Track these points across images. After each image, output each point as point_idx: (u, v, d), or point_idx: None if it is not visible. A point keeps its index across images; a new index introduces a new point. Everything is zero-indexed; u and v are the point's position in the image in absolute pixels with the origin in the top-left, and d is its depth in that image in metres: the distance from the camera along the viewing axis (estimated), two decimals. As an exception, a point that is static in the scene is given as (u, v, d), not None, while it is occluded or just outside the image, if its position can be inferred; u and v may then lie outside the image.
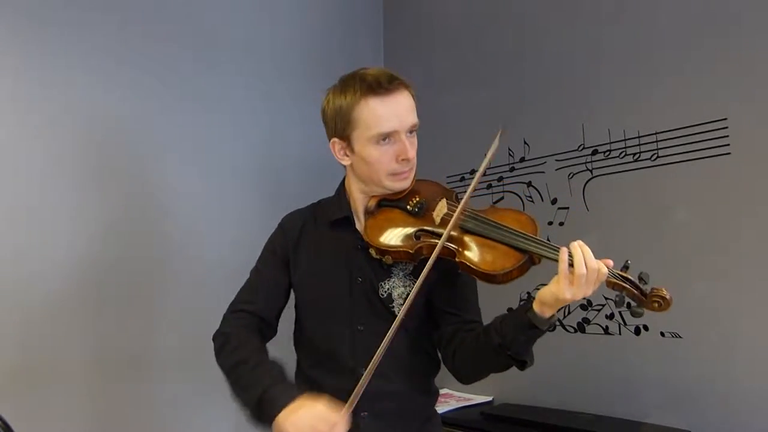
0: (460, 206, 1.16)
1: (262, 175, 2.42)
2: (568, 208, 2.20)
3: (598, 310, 2.10)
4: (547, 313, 1.07)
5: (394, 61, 2.89)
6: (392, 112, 1.20)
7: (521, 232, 1.13)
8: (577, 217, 2.16)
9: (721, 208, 1.84)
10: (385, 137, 1.20)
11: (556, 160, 2.26)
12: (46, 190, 1.87)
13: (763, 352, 1.74)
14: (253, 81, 2.42)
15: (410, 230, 1.21)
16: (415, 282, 1.22)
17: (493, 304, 1.35)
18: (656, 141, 2.00)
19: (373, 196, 1.28)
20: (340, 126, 1.24)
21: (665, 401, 1.91)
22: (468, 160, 2.45)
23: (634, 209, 2.02)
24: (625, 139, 2.07)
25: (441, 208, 1.23)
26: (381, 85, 1.19)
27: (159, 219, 2.11)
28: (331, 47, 2.71)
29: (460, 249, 1.15)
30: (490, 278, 1.12)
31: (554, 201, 2.24)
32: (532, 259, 1.12)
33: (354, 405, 1.09)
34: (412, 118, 1.23)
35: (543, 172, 2.30)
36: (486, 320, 1.23)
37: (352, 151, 1.25)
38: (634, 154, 2.05)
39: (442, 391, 2.02)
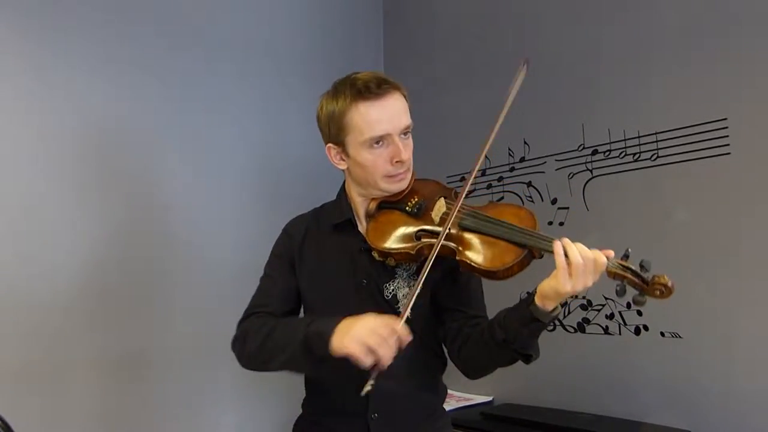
0: (456, 204, 1.16)
1: (262, 176, 2.42)
2: (568, 208, 2.20)
3: (598, 310, 2.10)
4: (549, 307, 1.07)
5: (394, 61, 2.89)
6: (383, 116, 1.20)
7: (520, 227, 1.13)
8: (577, 217, 2.17)
9: (721, 208, 1.84)
10: (378, 141, 1.21)
11: (556, 160, 2.26)
12: (46, 191, 1.87)
13: (762, 352, 1.74)
14: (253, 82, 2.42)
15: (410, 231, 1.22)
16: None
17: (495, 302, 1.34)
18: (656, 141, 2.00)
19: (372, 199, 1.29)
20: (333, 131, 1.25)
21: (665, 401, 1.91)
22: (468, 160, 2.43)
23: (634, 209, 2.02)
24: (625, 139, 2.07)
25: (439, 207, 1.24)
26: (370, 90, 1.20)
27: (160, 220, 2.11)
28: (331, 47, 2.71)
29: (460, 248, 1.15)
30: (491, 275, 1.13)
31: (554, 201, 2.24)
32: (533, 254, 1.12)
33: (405, 318, 1.08)
34: (404, 120, 1.23)
35: (543, 172, 2.30)
36: (489, 317, 1.23)
37: (347, 155, 1.26)
38: (634, 154, 2.05)
39: (442, 391, 2.02)
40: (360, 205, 1.31)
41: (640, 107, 2.04)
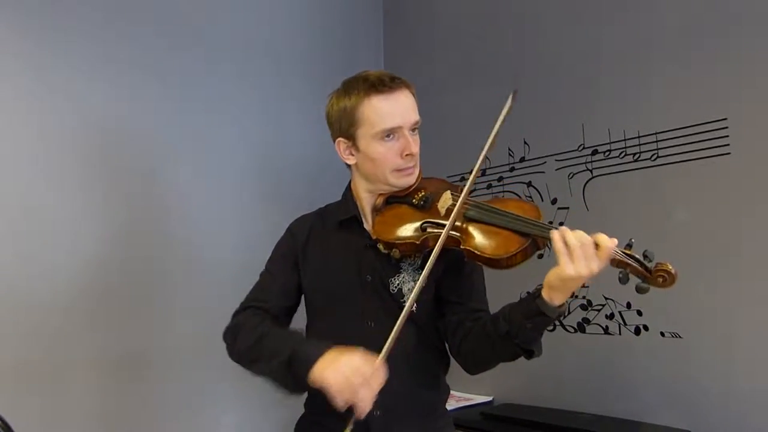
0: (463, 193, 1.17)
1: (262, 176, 2.42)
2: (568, 208, 2.20)
3: (598, 310, 2.10)
4: (557, 300, 1.07)
5: (394, 61, 2.89)
6: (395, 109, 1.23)
7: (523, 217, 1.14)
8: (577, 217, 2.16)
9: (721, 208, 1.84)
10: (389, 134, 1.24)
11: (556, 160, 2.26)
12: (46, 192, 1.87)
13: (762, 352, 1.74)
14: (253, 82, 2.42)
15: (416, 223, 1.23)
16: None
17: (497, 301, 1.34)
18: (656, 141, 2.00)
19: (380, 194, 1.30)
20: (345, 125, 1.27)
21: (665, 401, 1.91)
22: (468, 160, 2.43)
23: (634, 209, 2.02)
24: (625, 139, 2.07)
25: (445, 199, 1.25)
26: (384, 83, 1.24)
27: (160, 220, 2.11)
28: (331, 47, 2.71)
29: (465, 237, 1.17)
30: (494, 263, 1.13)
31: (554, 201, 2.24)
32: (537, 243, 1.13)
33: (386, 356, 1.07)
34: (414, 116, 1.26)
35: (543, 172, 2.30)
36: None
37: (357, 149, 1.28)
38: (634, 154, 2.05)
39: (442, 391, 2.02)
40: (366, 201, 1.33)
41: (640, 107, 2.04)
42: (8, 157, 1.81)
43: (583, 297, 2.14)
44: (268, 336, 1.22)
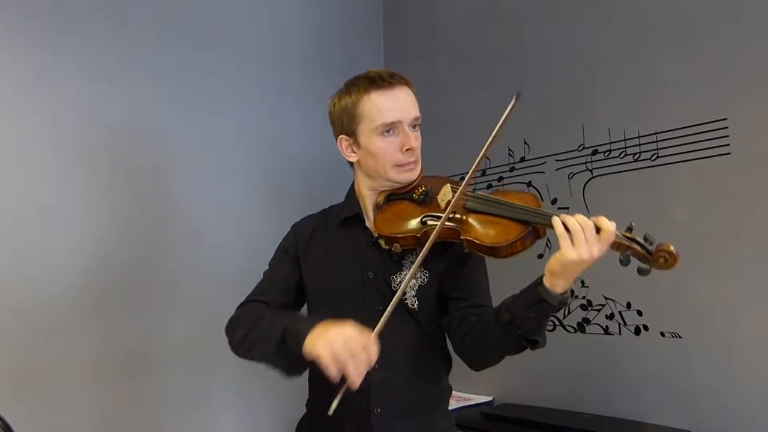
0: (461, 187, 1.17)
1: (264, 176, 2.42)
2: (568, 208, 2.20)
3: (598, 310, 2.10)
4: (559, 287, 1.06)
5: (394, 61, 2.89)
6: (394, 104, 1.25)
7: (523, 206, 1.15)
8: (577, 217, 2.16)
9: (721, 208, 1.84)
10: (389, 128, 1.25)
11: (556, 160, 2.26)
12: (46, 192, 1.87)
13: (762, 352, 1.74)
14: (253, 82, 2.42)
15: (417, 217, 1.24)
16: (426, 272, 1.26)
17: (500, 298, 1.34)
18: (656, 141, 2.00)
19: (381, 192, 1.31)
20: (346, 122, 1.29)
21: (665, 401, 1.91)
22: (468, 160, 2.44)
23: (634, 209, 2.02)
24: (625, 139, 2.07)
25: (445, 193, 1.26)
26: (383, 79, 1.26)
27: (161, 220, 2.11)
28: (331, 48, 2.71)
29: (464, 227, 1.17)
30: (494, 251, 1.14)
31: (554, 201, 2.24)
32: (537, 231, 1.13)
33: (380, 333, 1.06)
34: (414, 111, 1.28)
35: (543, 172, 2.30)
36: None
37: (358, 146, 1.29)
38: (634, 154, 2.05)
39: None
40: (369, 199, 1.33)
41: (640, 107, 2.04)
42: (8, 157, 1.81)
43: (583, 297, 2.14)
44: (262, 319, 1.23)
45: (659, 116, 1.99)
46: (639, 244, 1.06)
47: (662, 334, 1.94)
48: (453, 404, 2.24)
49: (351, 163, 1.36)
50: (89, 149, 1.97)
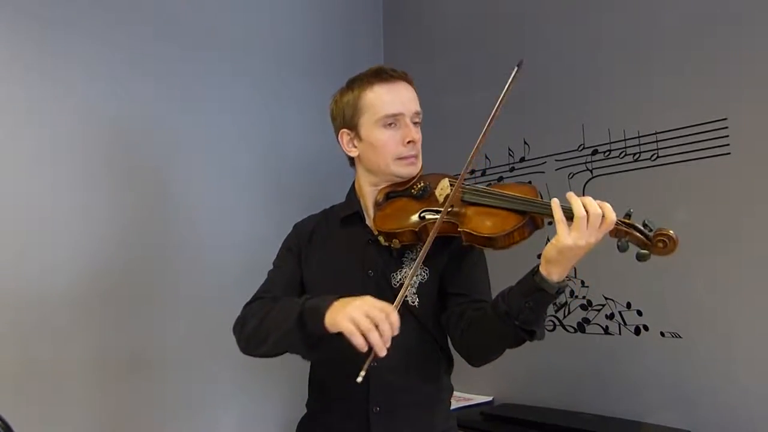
0: (459, 181, 1.17)
1: (264, 176, 2.42)
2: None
3: (598, 310, 2.10)
4: (555, 275, 1.05)
5: (394, 61, 2.89)
6: (396, 97, 1.27)
7: (520, 196, 1.15)
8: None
9: (721, 208, 1.84)
10: (392, 121, 1.26)
11: (556, 160, 2.26)
12: (46, 192, 1.87)
13: (762, 352, 1.74)
14: (253, 82, 2.42)
15: (415, 212, 1.24)
16: (426, 269, 1.26)
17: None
18: (656, 141, 2.00)
19: (381, 189, 1.31)
20: (348, 115, 1.30)
21: (665, 401, 1.91)
22: (467, 160, 2.45)
23: (634, 209, 2.01)
24: (625, 139, 2.07)
25: (443, 187, 1.26)
26: (386, 72, 1.28)
27: (161, 220, 2.11)
28: (331, 47, 2.71)
29: (462, 220, 1.17)
30: (492, 242, 1.13)
31: (554, 201, 2.24)
32: (535, 222, 1.13)
33: (399, 306, 1.06)
34: (415, 106, 1.29)
35: (543, 172, 2.30)
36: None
37: (360, 139, 1.30)
38: (634, 154, 2.05)
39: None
40: (369, 197, 1.33)
41: (640, 107, 2.04)
42: (9, 157, 1.81)
43: (583, 297, 2.14)
44: (275, 307, 1.22)
45: (659, 116, 1.99)
46: (638, 229, 1.05)
47: (662, 334, 1.94)
48: (453, 404, 2.23)
49: (352, 162, 1.37)
50: (89, 149, 1.97)
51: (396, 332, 1.02)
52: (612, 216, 1.03)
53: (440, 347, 1.32)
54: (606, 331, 2.08)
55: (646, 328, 1.98)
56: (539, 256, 1.08)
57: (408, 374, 1.25)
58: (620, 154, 2.08)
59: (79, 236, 1.91)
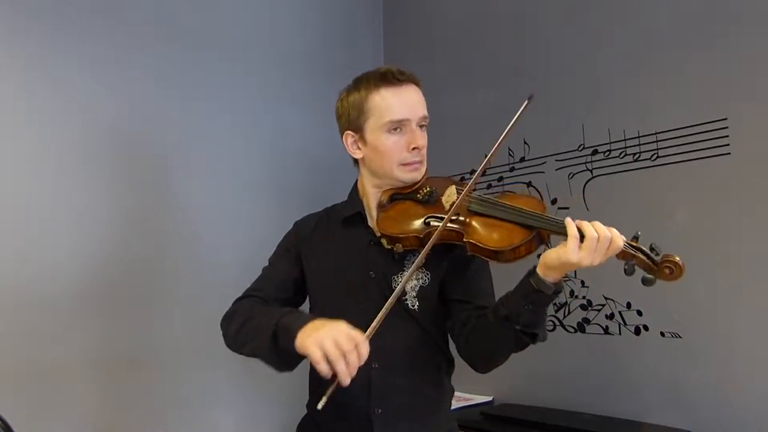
0: (466, 189, 1.17)
1: (265, 176, 2.42)
2: (568, 208, 2.20)
3: (598, 310, 2.10)
4: (551, 278, 1.06)
5: (394, 61, 2.86)
6: (403, 102, 1.25)
7: (528, 210, 1.14)
8: (578, 217, 2.12)
9: (721, 208, 1.84)
10: (397, 126, 1.25)
11: (556, 160, 2.26)
12: (47, 191, 1.87)
13: (762, 352, 1.74)
14: (253, 82, 2.42)
15: (420, 217, 1.23)
16: (428, 273, 1.25)
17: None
18: (656, 141, 2.00)
19: (385, 191, 1.30)
20: (353, 117, 1.28)
21: (665, 401, 1.91)
22: (468, 160, 2.45)
23: (634, 209, 2.02)
24: (625, 139, 2.07)
25: (450, 194, 1.25)
26: (394, 75, 1.25)
27: (161, 220, 2.11)
28: (331, 47, 2.71)
29: (467, 230, 1.16)
30: (497, 255, 1.13)
31: (554, 201, 2.24)
32: (541, 237, 1.13)
33: (372, 335, 1.06)
34: (422, 111, 1.28)
35: (543, 172, 2.30)
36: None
37: (365, 142, 1.28)
38: (634, 154, 2.05)
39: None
40: (372, 197, 1.32)
41: (640, 107, 2.04)
42: (9, 157, 1.81)
43: (583, 297, 2.14)
44: (256, 315, 1.23)
45: (659, 116, 1.99)
46: (644, 253, 1.05)
47: (662, 334, 1.94)
48: (453, 404, 2.23)
49: (356, 161, 1.36)
50: (89, 149, 1.97)
51: (362, 362, 1.03)
52: (619, 241, 1.04)
53: (441, 350, 1.31)
54: (606, 331, 2.08)
55: (646, 328, 1.98)
56: (539, 256, 1.08)
57: (409, 376, 1.25)
58: (620, 154, 2.08)
59: (79, 236, 1.91)
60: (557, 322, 2.19)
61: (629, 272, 1.06)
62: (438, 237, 1.12)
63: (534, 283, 1.07)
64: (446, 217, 1.14)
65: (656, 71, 2.01)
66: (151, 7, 2.15)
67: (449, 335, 1.29)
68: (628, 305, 2.02)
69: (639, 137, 2.04)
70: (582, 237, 1.03)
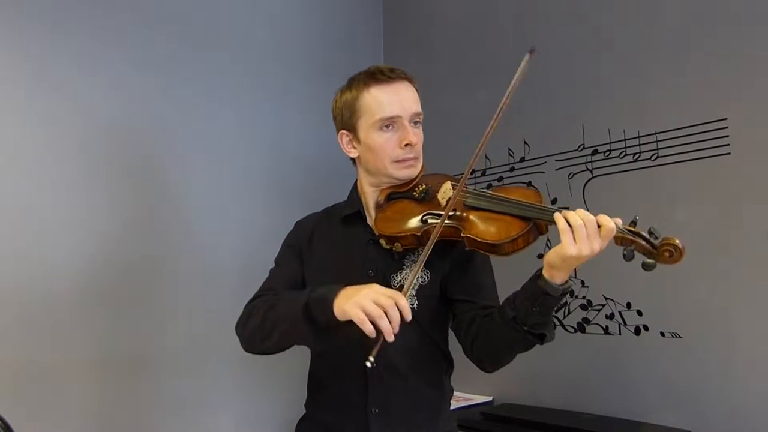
0: (461, 183, 1.16)
1: (265, 176, 2.42)
2: (568, 207, 2.18)
3: (598, 310, 2.10)
4: (558, 278, 1.06)
5: (394, 61, 2.86)
6: (394, 99, 1.25)
7: (524, 202, 1.14)
8: (577, 217, 2.16)
9: (721, 208, 1.84)
10: (388, 123, 1.25)
11: (556, 160, 2.26)
12: (47, 191, 1.87)
13: (762, 352, 1.74)
14: (254, 82, 2.42)
15: (417, 215, 1.23)
16: (427, 272, 1.25)
17: (502, 296, 1.34)
18: (656, 141, 2.00)
19: (382, 190, 1.31)
20: (346, 116, 1.29)
21: (665, 401, 1.91)
22: (468, 159, 2.45)
23: (634, 209, 2.00)
24: (625, 139, 2.07)
25: (445, 190, 1.25)
26: (383, 73, 1.26)
27: (161, 220, 2.12)
28: (331, 47, 2.71)
29: (465, 225, 1.16)
30: (496, 248, 1.12)
31: (554, 201, 2.24)
32: (539, 228, 1.12)
33: (408, 293, 1.07)
34: (414, 107, 1.27)
35: (543, 172, 2.30)
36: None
37: (359, 141, 1.29)
38: (634, 154, 2.05)
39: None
40: (370, 196, 1.33)
41: (640, 107, 2.04)
42: (9, 157, 1.81)
43: (583, 297, 2.14)
44: (279, 301, 1.22)
45: (659, 116, 1.99)
46: (643, 238, 1.04)
47: (662, 334, 1.94)
48: (453, 404, 2.23)
49: (353, 161, 1.36)
50: (89, 149, 1.97)
51: (408, 317, 1.04)
52: (609, 222, 1.03)
53: (440, 349, 1.31)
54: (606, 331, 2.08)
55: (646, 328, 1.98)
56: (539, 256, 1.08)
57: (407, 376, 1.25)
58: (620, 154, 2.08)
59: (79, 236, 1.91)
60: (557, 322, 2.19)
61: (629, 258, 1.05)
62: (437, 235, 1.12)
63: (541, 285, 1.07)
64: (444, 213, 1.14)
65: (656, 71, 2.01)
66: (152, 7, 2.15)
67: (455, 335, 1.29)
68: (628, 305, 2.02)
69: (639, 137, 2.04)
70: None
